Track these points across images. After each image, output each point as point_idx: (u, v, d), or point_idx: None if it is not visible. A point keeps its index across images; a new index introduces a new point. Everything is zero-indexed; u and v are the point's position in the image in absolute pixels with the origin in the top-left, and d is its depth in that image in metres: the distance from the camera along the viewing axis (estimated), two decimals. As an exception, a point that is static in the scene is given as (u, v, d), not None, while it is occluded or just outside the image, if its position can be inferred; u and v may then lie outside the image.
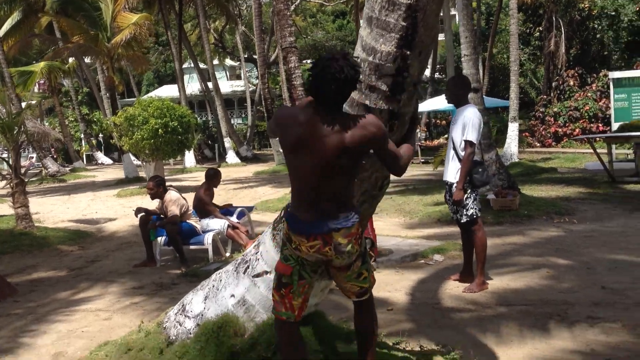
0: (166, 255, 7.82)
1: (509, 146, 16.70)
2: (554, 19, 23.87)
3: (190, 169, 23.93)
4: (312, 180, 2.84)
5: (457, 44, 14.90)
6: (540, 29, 25.71)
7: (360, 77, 2.82)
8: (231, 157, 25.94)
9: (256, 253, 3.68)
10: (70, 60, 28.04)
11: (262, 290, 3.57)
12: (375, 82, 2.96)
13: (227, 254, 7.68)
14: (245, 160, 26.36)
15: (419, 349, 3.89)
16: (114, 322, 5.28)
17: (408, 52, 2.85)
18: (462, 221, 5.48)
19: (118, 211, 13.23)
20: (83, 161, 32.42)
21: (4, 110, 9.48)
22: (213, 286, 3.89)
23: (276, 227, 3.58)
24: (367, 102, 3.01)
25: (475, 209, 5.42)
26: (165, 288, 6.37)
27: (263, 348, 3.41)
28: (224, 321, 3.62)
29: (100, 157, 34.37)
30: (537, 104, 24.36)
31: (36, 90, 37.50)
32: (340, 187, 2.87)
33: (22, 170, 10.60)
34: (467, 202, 5.37)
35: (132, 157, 20.85)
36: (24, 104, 22.68)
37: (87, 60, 30.98)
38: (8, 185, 9.81)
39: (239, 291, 3.67)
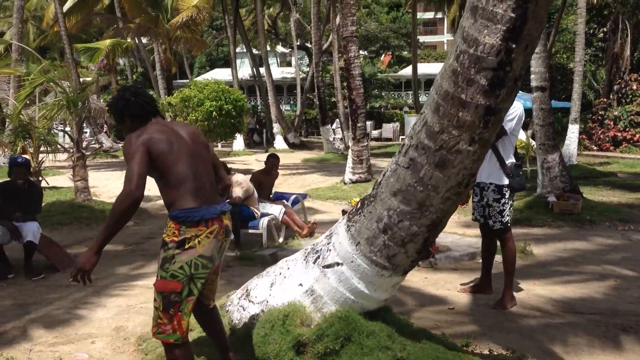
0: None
1: (567, 148, 16.19)
2: (620, 20, 22.99)
3: (237, 153, 24.07)
4: (193, 167, 2.96)
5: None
6: (605, 30, 24.84)
7: (458, 68, 2.73)
8: (279, 142, 25.99)
9: (328, 243, 3.61)
10: (128, 39, 28.52)
11: (332, 281, 3.50)
12: (474, 75, 2.83)
13: (281, 240, 7.66)
14: (292, 146, 26.36)
15: (488, 352, 3.76)
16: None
17: (514, 46, 2.71)
18: (495, 227, 5.07)
19: (170, 190, 13.38)
20: (134, 139, 32.96)
21: (66, 85, 9.60)
22: (280, 273, 3.84)
23: (351, 218, 3.50)
24: (463, 96, 2.88)
25: (510, 216, 5.06)
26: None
27: (330, 340, 3.34)
28: (290, 310, 3.57)
29: (151, 135, 34.89)
30: (596, 107, 23.58)
31: (93, 67, 38.40)
32: (211, 174, 3.10)
33: (84, 145, 10.82)
34: (504, 207, 4.97)
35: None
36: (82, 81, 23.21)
37: (144, 40, 31.51)
38: (69, 159, 10.02)
39: (307, 281, 3.61)
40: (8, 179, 6.27)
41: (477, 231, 8.02)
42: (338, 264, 3.49)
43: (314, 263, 3.62)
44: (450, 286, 5.64)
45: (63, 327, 4.52)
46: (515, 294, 5.20)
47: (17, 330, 4.43)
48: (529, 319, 4.72)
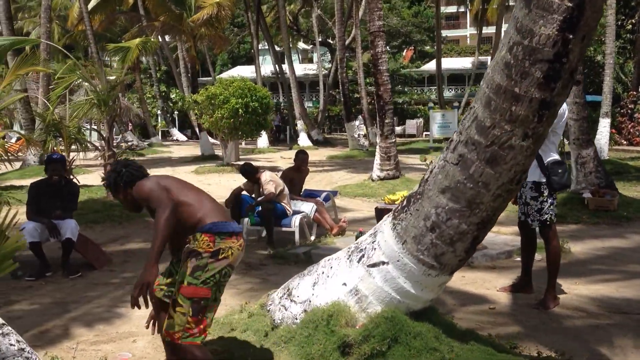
0: (251, 235, 7.84)
1: (598, 143, 15.88)
2: (649, 11, 22.52)
3: (262, 150, 24.10)
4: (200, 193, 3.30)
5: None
6: (633, 21, 24.33)
7: (512, 60, 2.65)
8: (303, 139, 25.99)
9: (373, 242, 3.55)
10: (152, 38, 28.74)
11: (377, 281, 3.44)
12: (529, 67, 2.74)
13: (313, 237, 7.61)
14: (316, 143, 26.33)
15: (537, 354, 3.66)
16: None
17: (570, 36, 2.62)
18: (533, 226, 4.97)
19: (197, 187, 13.44)
20: (159, 137, 33.28)
21: (96, 83, 9.66)
22: (322, 272, 3.79)
23: (397, 216, 3.44)
24: (517, 90, 2.80)
25: (551, 214, 4.88)
26: (254, 268, 6.35)
27: (377, 341, 3.28)
28: (335, 310, 3.52)
29: (176, 133, 35.20)
30: (625, 100, 23.12)
31: (116, 66, 38.68)
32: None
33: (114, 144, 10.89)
34: (543, 205, 4.84)
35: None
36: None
37: (166, 38, 31.69)
38: (98, 157, 10.09)
39: (351, 280, 3.56)
40: (44, 177, 6.32)
41: (512, 229, 7.92)
42: (383, 262, 3.42)
43: (358, 262, 3.56)
44: (489, 285, 5.54)
45: (104, 326, 4.53)
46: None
47: (58, 328, 4.44)
48: (573, 320, 4.60)
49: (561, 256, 5.32)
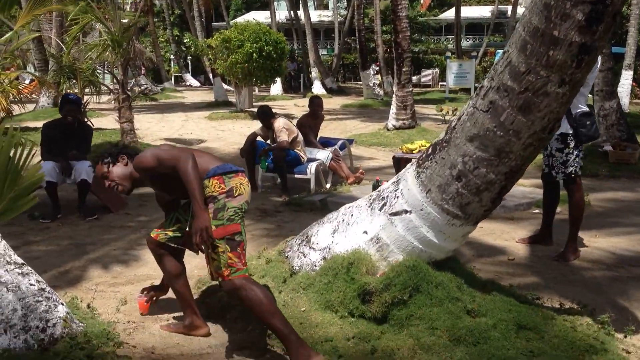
0: (266, 181, 7.80)
1: (620, 95, 15.51)
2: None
3: (275, 97, 23.85)
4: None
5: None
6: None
7: (552, 1, 2.49)
8: (317, 87, 25.67)
9: (395, 190, 3.47)
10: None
11: (399, 229, 3.38)
12: (570, 9, 2.59)
13: (328, 185, 7.56)
14: (330, 92, 26.00)
15: (559, 305, 3.62)
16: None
17: (617, -25, 2.45)
18: (557, 179, 4.87)
19: (211, 133, 13.39)
20: (172, 82, 33.03)
21: (105, 25, 9.46)
22: (343, 220, 3.73)
23: (421, 164, 3.34)
24: (555, 33, 2.65)
25: (576, 166, 4.78)
26: (269, 215, 6.34)
27: (398, 290, 3.24)
28: (355, 258, 3.47)
29: (189, 78, 34.87)
30: (649, 53, 22.47)
31: (129, 9, 38.09)
32: None
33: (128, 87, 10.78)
34: (568, 157, 4.73)
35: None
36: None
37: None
38: (112, 100, 10.00)
39: (373, 228, 3.50)
40: (58, 117, 6.25)
41: (531, 180, 7.82)
42: (406, 211, 3.35)
43: (379, 210, 3.49)
44: (507, 236, 5.48)
45: (121, 268, 4.54)
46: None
47: (77, 269, 4.47)
48: (593, 272, 4.56)
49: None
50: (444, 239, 3.33)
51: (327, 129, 13.84)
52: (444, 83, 25.07)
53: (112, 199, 6.39)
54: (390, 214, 3.43)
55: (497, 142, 2.97)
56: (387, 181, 6.62)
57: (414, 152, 7.14)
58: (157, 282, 4.21)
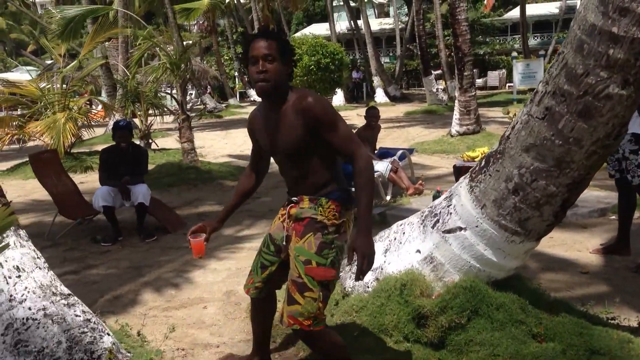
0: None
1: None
2: None
3: (338, 108, 23.77)
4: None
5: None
6: None
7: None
8: (380, 96, 25.46)
9: (448, 206, 3.25)
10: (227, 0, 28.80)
11: (454, 248, 3.16)
12: (629, 2, 2.32)
13: (388, 198, 7.35)
14: (393, 99, 25.73)
15: (638, 325, 3.29)
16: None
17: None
18: (634, 183, 4.48)
19: (273, 149, 13.43)
20: (237, 98, 33.66)
21: (170, 49, 9.69)
22: (395, 239, 3.54)
23: (475, 178, 3.12)
24: (615, 29, 2.39)
25: None
26: (327, 231, 6.20)
27: (455, 313, 3.02)
28: (408, 278, 3.28)
29: (253, 94, 35.31)
30: None
31: (195, 30, 39.22)
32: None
33: (188, 106, 10.98)
34: None
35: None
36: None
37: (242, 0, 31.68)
38: (175, 121, 10.19)
39: (426, 247, 3.29)
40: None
41: (604, 183, 7.33)
42: (460, 228, 3.13)
43: (432, 228, 3.29)
44: (580, 246, 5.11)
45: (176, 291, 4.52)
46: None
47: (131, 293, 4.47)
48: (678, 286, 4.15)
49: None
50: (503, 257, 3.09)
51: (389, 138, 13.62)
52: (512, 84, 24.30)
53: (169, 220, 6.45)
54: (443, 232, 3.21)
55: (556, 151, 2.71)
56: (447, 190, 6.44)
57: (475, 159, 6.82)
58: (210, 305, 4.16)
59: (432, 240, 3.26)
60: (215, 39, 31.51)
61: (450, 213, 3.21)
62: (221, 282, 4.71)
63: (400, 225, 3.60)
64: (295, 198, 2.66)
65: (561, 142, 2.69)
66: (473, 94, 12.16)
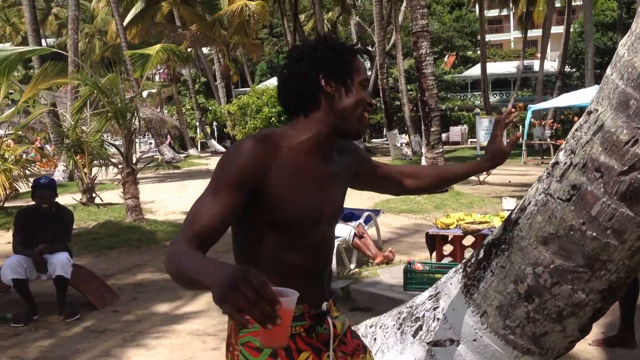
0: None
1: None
2: None
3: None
4: None
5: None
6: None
7: None
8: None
9: (434, 309, 2.46)
10: (189, 49, 28.38)
11: (444, 366, 2.36)
12: None
13: (352, 266, 6.55)
14: (357, 153, 25.25)
15: None
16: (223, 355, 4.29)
17: None
18: None
19: (229, 205, 12.55)
20: (197, 148, 32.81)
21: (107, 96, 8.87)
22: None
23: (471, 275, 2.35)
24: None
25: None
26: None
27: None
28: (381, 405, 2.46)
29: (214, 144, 34.63)
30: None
31: (157, 79, 38.64)
32: None
33: (138, 155, 10.10)
34: None
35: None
36: (145, 93, 23.01)
37: (205, 50, 31.25)
38: (120, 174, 9.28)
39: (405, 361, 2.48)
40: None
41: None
42: (452, 341, 2.34)
43: (413, 337, 2.48)
44: (576, 336, 4.37)
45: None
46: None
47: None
48: None
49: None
50: (509, 382, 2.30)
51: (353, 194, 12.80)
52: (474, 139, 24.21)
53: (98, 294, 5.49)
54: (429, 343, 2.41)
55: (587, 246, 1.97)
56: (420, 262, 5.65)
57: (450, 227, 6.11)
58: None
59: (414, 353, 2.45)
60: (175, 87, 30.90)
61: (438, 318, 2.42)
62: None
63: (371, 327, 2.78)
64: (326, 304, 1.76)
65: (595, 234, 1.95)
66: (441, 150, 11.62)
